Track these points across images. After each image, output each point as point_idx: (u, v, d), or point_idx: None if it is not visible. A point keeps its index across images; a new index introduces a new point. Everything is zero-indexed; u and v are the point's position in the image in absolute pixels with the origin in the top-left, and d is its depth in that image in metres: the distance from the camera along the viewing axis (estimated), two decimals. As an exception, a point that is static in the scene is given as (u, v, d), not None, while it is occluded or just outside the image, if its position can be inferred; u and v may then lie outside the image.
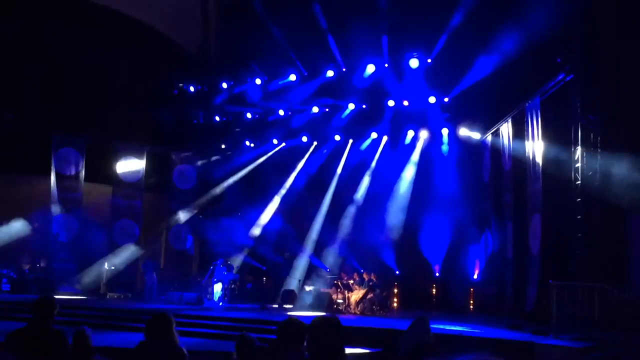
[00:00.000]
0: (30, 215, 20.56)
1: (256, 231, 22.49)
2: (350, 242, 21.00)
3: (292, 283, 20.50)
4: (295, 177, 22.76)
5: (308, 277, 20.43)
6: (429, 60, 18.32)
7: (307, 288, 19.31)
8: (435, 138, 20.48)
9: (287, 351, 4.83)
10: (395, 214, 20.65)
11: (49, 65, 19.71)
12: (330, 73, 20.05)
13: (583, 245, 13.68)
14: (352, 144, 22.19)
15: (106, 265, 21.26)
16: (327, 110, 21.36)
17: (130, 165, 22.93)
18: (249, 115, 22.75)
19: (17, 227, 20.44)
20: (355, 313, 17.40)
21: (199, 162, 24.17)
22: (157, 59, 20.96)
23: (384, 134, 21.24)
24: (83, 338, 5.48)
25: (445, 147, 20.27)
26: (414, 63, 18.43)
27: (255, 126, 23.09)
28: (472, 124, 19.74)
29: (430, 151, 20.62)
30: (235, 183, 23.44)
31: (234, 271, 19.62)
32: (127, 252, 21.98)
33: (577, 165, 14.09)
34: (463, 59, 17.36)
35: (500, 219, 18.60)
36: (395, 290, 20.31)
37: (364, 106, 20.70)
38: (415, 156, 20.90)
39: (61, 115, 20.91)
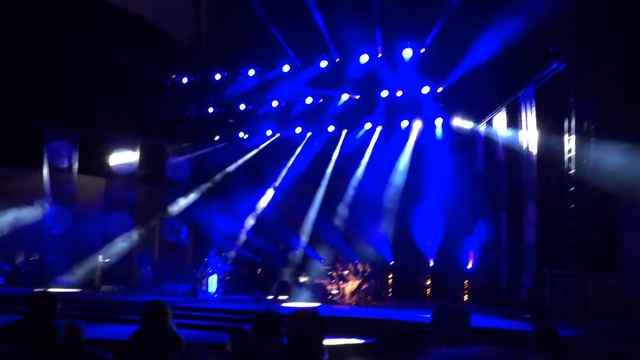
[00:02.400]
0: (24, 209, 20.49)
1: (250, 222, 22.47)
2: (344, 233, 21.00)
3: (287, 274, 20.49)
4: (289, 168, 22.72)
5: (303, 268, 20.44)
6: (422, 50, 18.29)
7: (302, 279, 19.34)
8: (429, 128, 20.47)
9: (264, 341, 4.88)
10: (389, 204, 20.66)
11: (40, 58, 19.57)
12: (323, 63, 19.98)
13: (577, 234, 13.72)
14: (346, 134, 22.16)
15: (100, 258, 21.22)
16: (320, 100, 21.32)
17: (123, 158, 22.84)
18: (242, 107, 22.67)
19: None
20: (349, 304, 17.42)
21: (192, 154, 24.08)
22: (150, 50, 20.84)
23: (378, 124, 21.21)
24: (75, 331, 5.46)
25: (439, 137, 20.27)
26: (407, 53, 18.40)
27: (248, 117, 23.02)
28: (466, 113, 19.75)
29: (424, 141, 20.61)
30: (229, 174, 23.39)
31: (229, 262, 19.63)
32: (121, 244, 21.93)
33: (570, 154, 14.12)
34: (456, 49, 17.33)
35: (493, 209, 18.65)
36: (390, 281, 20.35)
37: (357, 96, 20.66)
38: (409, 146, 20.89)
39: (53, 108, 20.78)
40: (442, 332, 3.86)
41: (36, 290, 5.85)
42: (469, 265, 19.94)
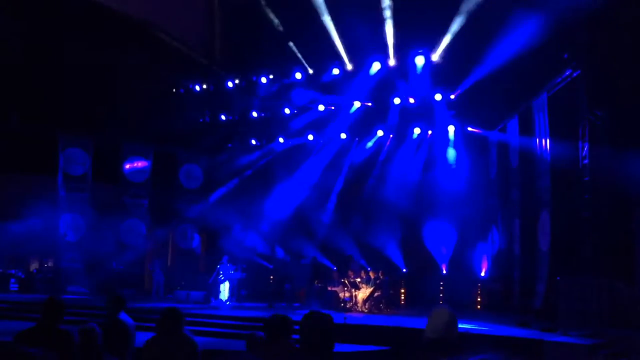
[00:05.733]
0: (38, 216, 20.61)
1: (263, 229, 22.48)
2: (357, 240, 20.97)
3: (300, 281, 20.46)
4: (302, 176, 22.72)
5: (315, 275, 20.42)
6: (435, 58, 18.25)
7: (315, 286, 19.34)
8: (441, 135, 20.42)
9: (276, 345, 4.89)
10: (401, 211, 20.62)
11: (55, 66, 19.75)
12: (335, 71, 20.01)
13: (591, 241, 13.61)
14: (358, 141, 22.15)
15: (113, 265, 21.31)
16: (332, 108, 21.33)
17: (136, 165, 22.96)
18: (254, 114, 22.73)
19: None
20: (362, 311, 17.39)
21: (205, 161, 24.18)
22: (163, 58, 20.97)
23: (390, 132, 21.19)
24: (91, 335, 5.48)
25: (451, 145, 20.21)
26: (419, 60, 18.39)
27: (261, 125, 23.07)
28: (479, 120, 19.70)
29: (437, 148, 20.58)
30: (242, 182, 23.45)
31: (241, 270, 19.62)
32: (134, 252, 22.01)
33: (584, 161, 14.03)
34: (469, 56, 17.29)
35: (506, 216, 18.57)
36: (402, 288, 20.28)
37: (369, 104, 20.66)
38: (422, 153, 20.86)
39: (68, 116, 20.95)
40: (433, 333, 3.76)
41: (48, 297, 5.89)
42: (482, 273, 19.85)
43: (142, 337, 5.55)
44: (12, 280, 20.74)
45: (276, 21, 19.67)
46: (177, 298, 19.02)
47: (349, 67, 19.85)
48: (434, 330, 3.73)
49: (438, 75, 18.55)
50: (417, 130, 20.71)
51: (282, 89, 21.34)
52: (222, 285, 18.80)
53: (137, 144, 22.93)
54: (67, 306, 5.88)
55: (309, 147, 22.87)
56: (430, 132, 20.68)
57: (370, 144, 21.75)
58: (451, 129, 20.05)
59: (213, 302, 18.63)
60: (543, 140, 15.28)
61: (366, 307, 17.62)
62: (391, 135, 21.38)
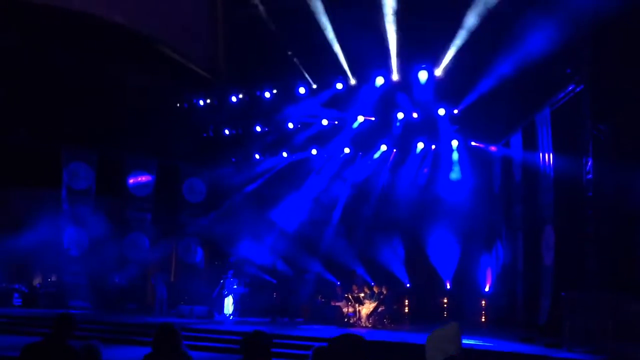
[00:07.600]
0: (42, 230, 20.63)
1: (266, 244, 22.45)
2: (360, 255, 20.93)
3: (303, 296, 20.42)
4: (306, 190, 22.70)
5: (319, 290, 20.38)
6: (439, 72, 18.30)
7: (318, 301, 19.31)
8: (445, 150, 20.43)
9: None
10: (405, 226, 20.59)
11: (59, 80, 19.85)
12: (339, 86, 20.05)
13: (595, 256, 13.55)
14: (361, 156, 22.16)
15: (116, 279, 21.29)
16: (336, 122, 21.35)
17: (140, 179, 23.01)
18: (258, 129, 22.77)
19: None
20: (366, 326, 17.32)
21: (209, 176, 24.21)
22: (167, 73, 21.07)
23: (394, 146, 21.21)
24: (93, 353, 5.47)
25: (455, 159, 20.21)
26: (422, 75, 18.43)
27: (264, 139, 23.11)
28: (482, 135, 19.72)
29: (440, 163, 20.58)
30: (245, 196, 23.45)
31: (244, 284, 19.59)
32: (137, 266, 22.00)
33: (588, 176, 14.00)
34: (472, 71, 17.34)
35: (510, 230, 18.52)
36: (406, 303, 20.21)
37: (373, 118, 20.69)
38: (425, 168, 20.85)
39: (72, 130, 21.04)
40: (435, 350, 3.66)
41: (61, 313, 5.90)
42: (487, 288, 19.77)
43: (144, 353, 5.50)
44: (16, 294, 20.72)
45: (280, 36, 19.75)
46: (181, 313, 18.99)
47: (353, 81, 19.87)
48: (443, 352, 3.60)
49: (441, 89, 18.56)
50: (420, 145, 20.71)
51: (285, 103, 21.37)
52: (225, 300, 18.77)
53: (141, 158, 23.00)
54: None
55: (313, 161, 22.88)
56: (433, 146, 20.70)
57: (376, 155, 21.68)
58: (455, 143, 20.05)
59: (217, 317, 18.59)
60: (546, 155, 15.27)
61: (370, 322, 17.56)
62: (395, 150, 21.40)
